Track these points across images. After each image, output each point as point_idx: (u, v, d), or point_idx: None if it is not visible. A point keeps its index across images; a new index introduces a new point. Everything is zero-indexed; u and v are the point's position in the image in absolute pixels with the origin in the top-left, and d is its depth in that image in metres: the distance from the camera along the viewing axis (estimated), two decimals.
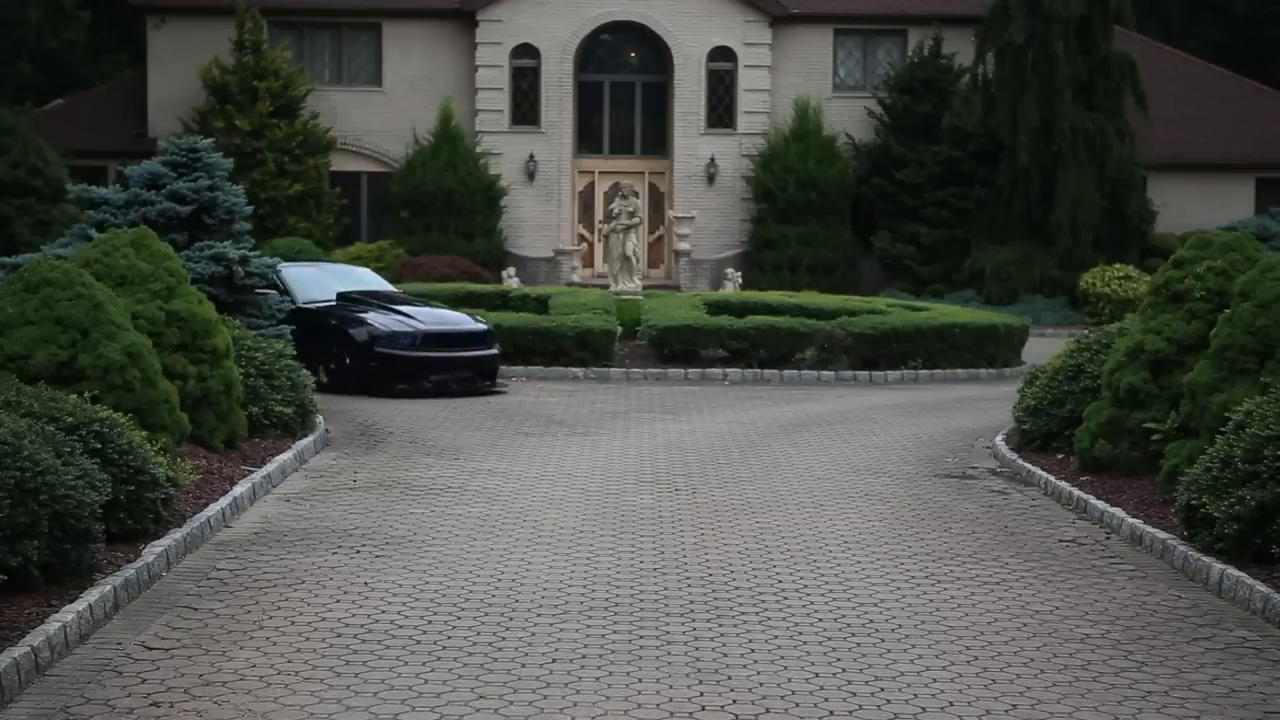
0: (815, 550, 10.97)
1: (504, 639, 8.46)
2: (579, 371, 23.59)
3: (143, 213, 19.16)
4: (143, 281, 14.14)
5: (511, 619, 8.90)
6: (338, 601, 9.24)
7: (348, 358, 20.89)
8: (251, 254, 19.17)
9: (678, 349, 24.40)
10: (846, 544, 11.21)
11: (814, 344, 24.41)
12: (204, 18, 39.23)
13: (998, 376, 24.89)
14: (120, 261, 14.18)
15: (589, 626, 8.76)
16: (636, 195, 28.95)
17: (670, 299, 28.67)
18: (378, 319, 21.18)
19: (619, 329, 24.65)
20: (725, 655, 8.20)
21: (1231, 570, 9.82)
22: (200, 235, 19.37)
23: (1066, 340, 17.74)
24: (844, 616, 9.07)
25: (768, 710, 7.30)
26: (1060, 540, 11.57)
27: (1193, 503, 10.56)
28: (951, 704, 7.45)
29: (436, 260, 35.64)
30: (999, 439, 16.39)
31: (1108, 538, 11.69)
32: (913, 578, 10.14)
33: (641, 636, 8.56)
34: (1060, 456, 14.86)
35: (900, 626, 8.87)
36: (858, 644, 8.47)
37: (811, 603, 9.40)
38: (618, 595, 9.52)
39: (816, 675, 7.87)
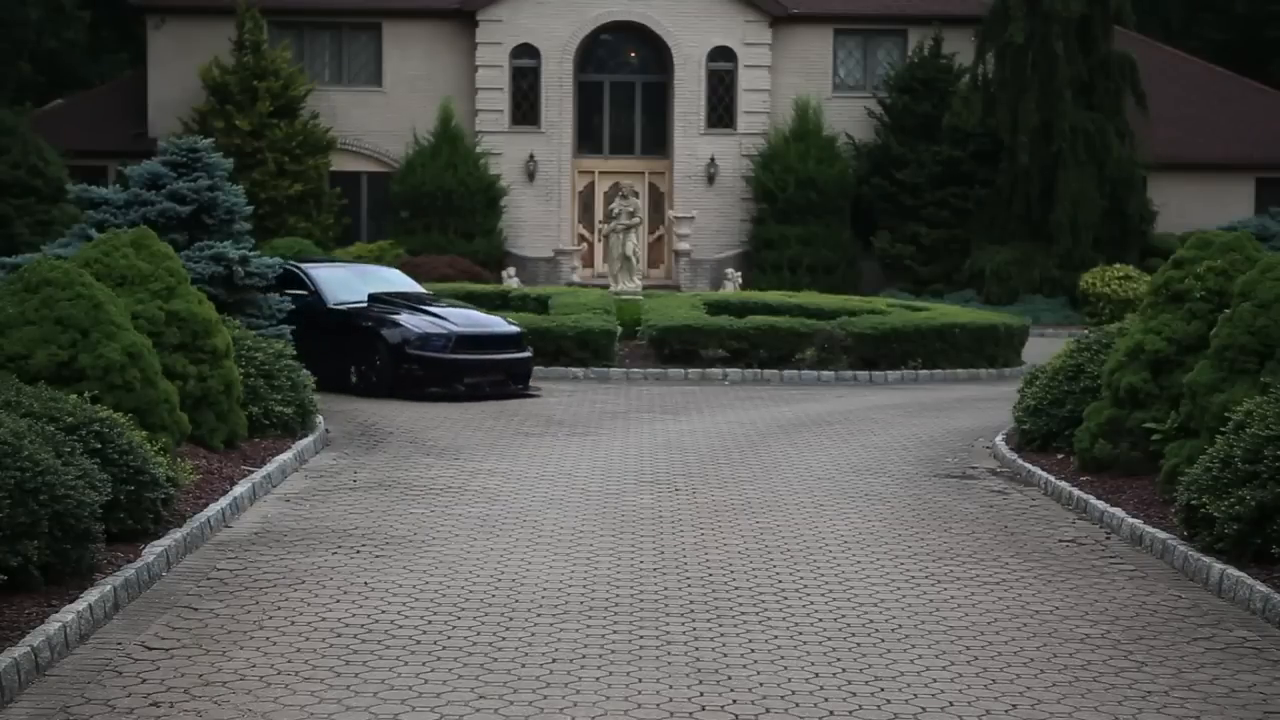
0: (815, 550, 10.97)
1: (504, 639, 8.46)
2: (579, 371, 23.60)
3: (143, 213, 19.15)
4: (143, 281, 14.14)
5: (511, 619, 8.90)
6: (338, 601, 9.24)
7: (379, 360, 20.56)
8: (251, 254, 19.16)
9: (678, 349, 24.41)
10: (846, 544, 11.21)
11: (814, 344, 24.42)
12: (204, 18, 39.23)
13: (998, 376, 24.89)
14: (120, 261, 14.18)
15: (589, 626, 8.76)
16: (636, 195, 28.95)
17: (670, 299, 28.68)
18: (410, 321, 20.84)
19: (619, 329, 24.66)
20: (725, 655, 8.20)
21: (1231, 570, 9.82)
22: (200, 235, 19.36)
23: (1066, 340, 17.74)
24: (844, 616, 9.07)
25: (768, 710, 7.30)
26: (1060, 540, 11.57)
27: (1193, 503, 10.56)
28: (951, 704, 7.45)
29: (436, 260, 35.63)
30: (999, 439, 16.39)
31: (1108, 538, 11.69)
32: (913, 578, 10.14)
33: (641, 636, 8.56)
34: (1060, 456, 14.86)
35: (900, 626, 8.87)
36: (858, 644, 8.47)
37: (811, 603, 9.40)
38: (618, 595, 9.52)
39: (816, 675, 7.87)
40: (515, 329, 21.74)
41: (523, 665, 7.97)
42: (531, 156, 39.55)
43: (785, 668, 7.99)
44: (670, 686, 7.64)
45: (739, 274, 36.27)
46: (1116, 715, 7.35)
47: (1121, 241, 37.46)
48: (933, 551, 11.01)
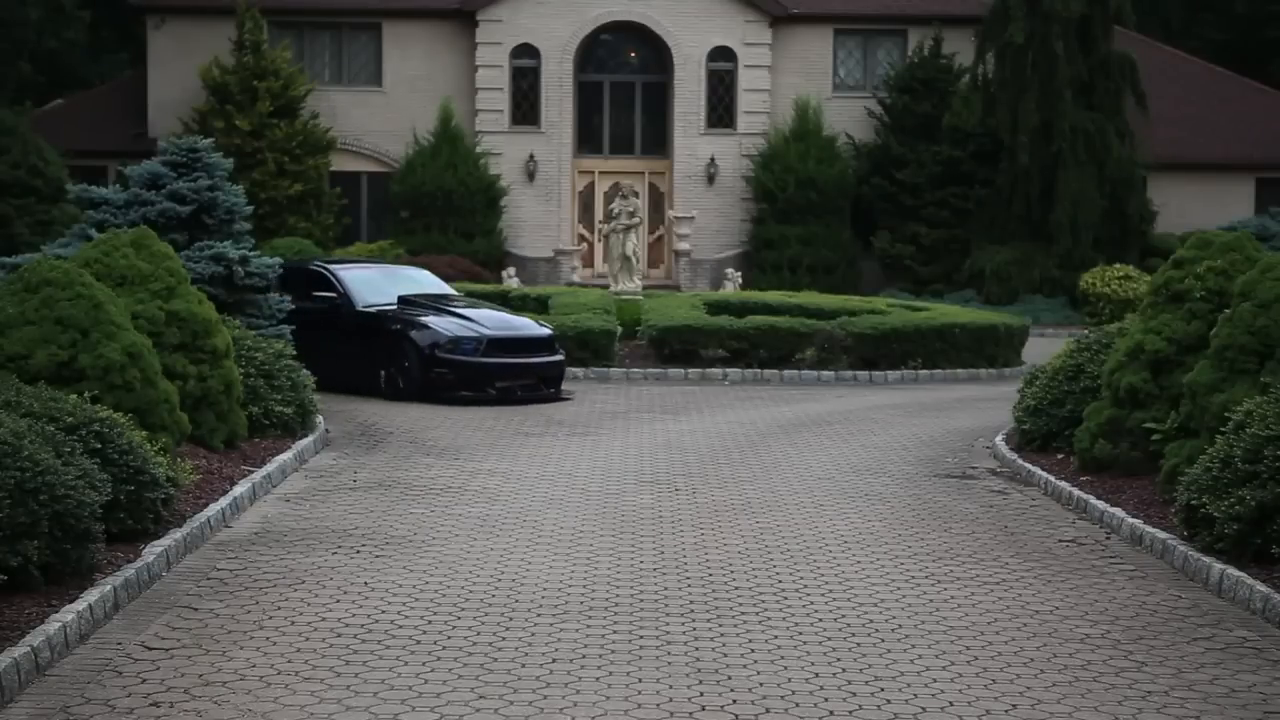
0: (815, 550, 10.97)
1: (504, 639, 8.46)
2: (579, 371, 23.57)
3: (143, 213, 19.14)
4: (143, 281, 14.14)
5: (511, 619, 8.90)
6: (338, 601, 9.24)
7: (408, 364, 20.15)
8: (251, 254, 19.15)
9: (678, 349, 24.41)
10: (846, 544, 11.21)
11: (814, 344, 24.42)
12: (204, 18, 39.23)
13: (998, 376, 24.89)
14: (120, 261, 14.18)
15: (589, 626, 8.76)
16: (636, 195, 28.94)
17: (670, 299, 28.68)
18: (441, 323, 20.40)
19: (619, 329, 24.66)
20: (725, 655, 8.20)
21: (1231, 570, 9.82)
22: (200, 235, 19.35)
23: (1066, 340, 17.74)
24: (844, 616, 9.07)
25: (768, 710, 7.30)
26: (1060, 540, 11.57)
27: (1193, 503, 10.56)
28: (951, 704, 7.45)
29: (436, 260, 35.53)
30: (999, 439, 16.39)
31: (1108, 538, 11.69)
32: (913, 578, 10.14)
33: (641, 636, 8.56)
34: (1060, 456, 14.86)
35: (900, 626, 8.87)
36: (858, 644, 8.47)
37: (811, 603, 9.40)
38: (618, 595, 9.52)
39: (816, 675, 7.87)
40: (547, 331, 21.31)
41: (523, 665, 7.97)
42: (531, 156, 39.55)
43: (785, 668, 7.99)
44: (670, 686, 7.64)
45: (739, 274, 36.27)
46: (1116, 715, 7.35)
47: (1121, 241, 37.46)
48: (933, 551, 11.01)
